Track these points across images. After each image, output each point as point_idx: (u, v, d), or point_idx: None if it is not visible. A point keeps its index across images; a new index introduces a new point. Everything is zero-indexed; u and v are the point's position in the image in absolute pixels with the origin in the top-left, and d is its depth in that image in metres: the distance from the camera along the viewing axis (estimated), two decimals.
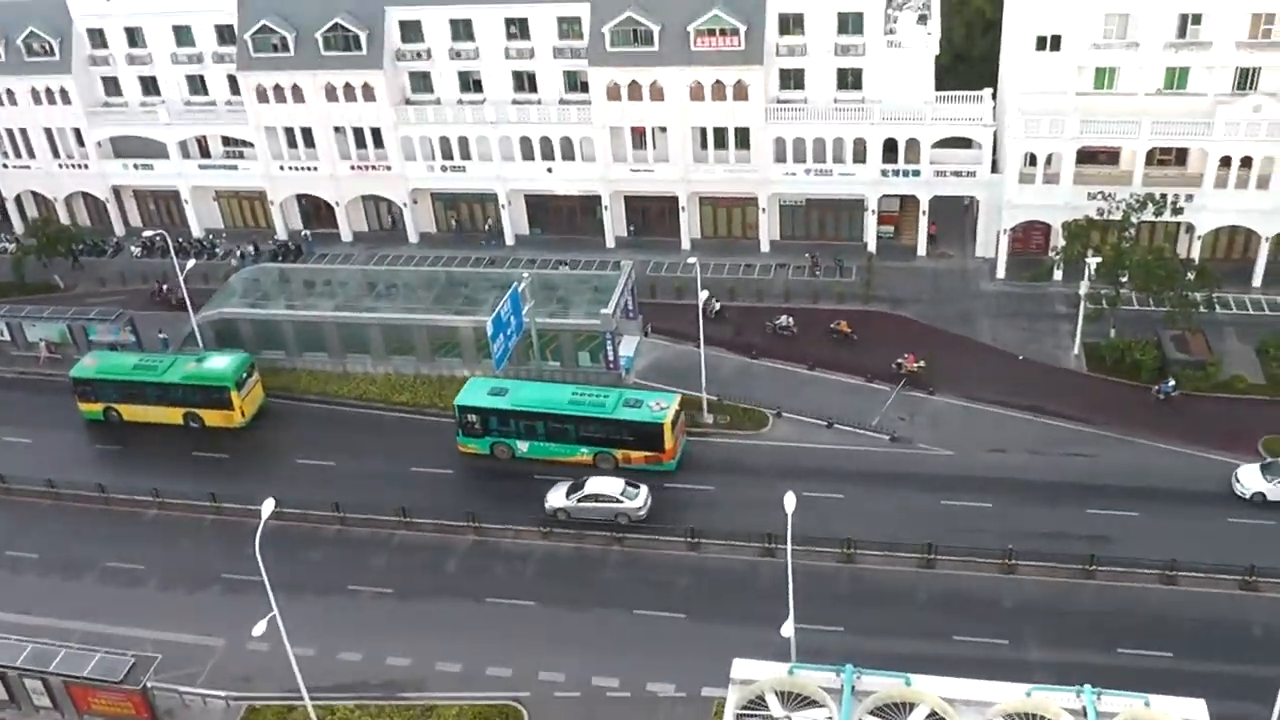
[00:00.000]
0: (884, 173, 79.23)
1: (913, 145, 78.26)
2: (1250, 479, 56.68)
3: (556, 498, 58.28)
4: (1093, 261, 67.09)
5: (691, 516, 57.46)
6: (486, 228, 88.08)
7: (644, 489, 57.98)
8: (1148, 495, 57.08)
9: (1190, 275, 68.25)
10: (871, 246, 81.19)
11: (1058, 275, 75.45)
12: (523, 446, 62.46)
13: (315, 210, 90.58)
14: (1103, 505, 56.50)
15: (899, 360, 68.34)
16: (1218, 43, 72.82)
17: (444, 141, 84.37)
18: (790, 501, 41.89)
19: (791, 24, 78.12)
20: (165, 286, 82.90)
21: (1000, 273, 78.02)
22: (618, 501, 57.26)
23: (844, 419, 64.52)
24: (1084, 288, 68.14)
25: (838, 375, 69.06)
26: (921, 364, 67.99)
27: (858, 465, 61.13)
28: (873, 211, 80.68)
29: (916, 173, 78.89)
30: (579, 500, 57.69)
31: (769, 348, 72.01)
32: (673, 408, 60.67)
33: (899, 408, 65.71)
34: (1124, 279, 68.18)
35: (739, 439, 63.94)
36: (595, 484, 58.16)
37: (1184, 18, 72.66)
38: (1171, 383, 64.75)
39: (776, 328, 73.18)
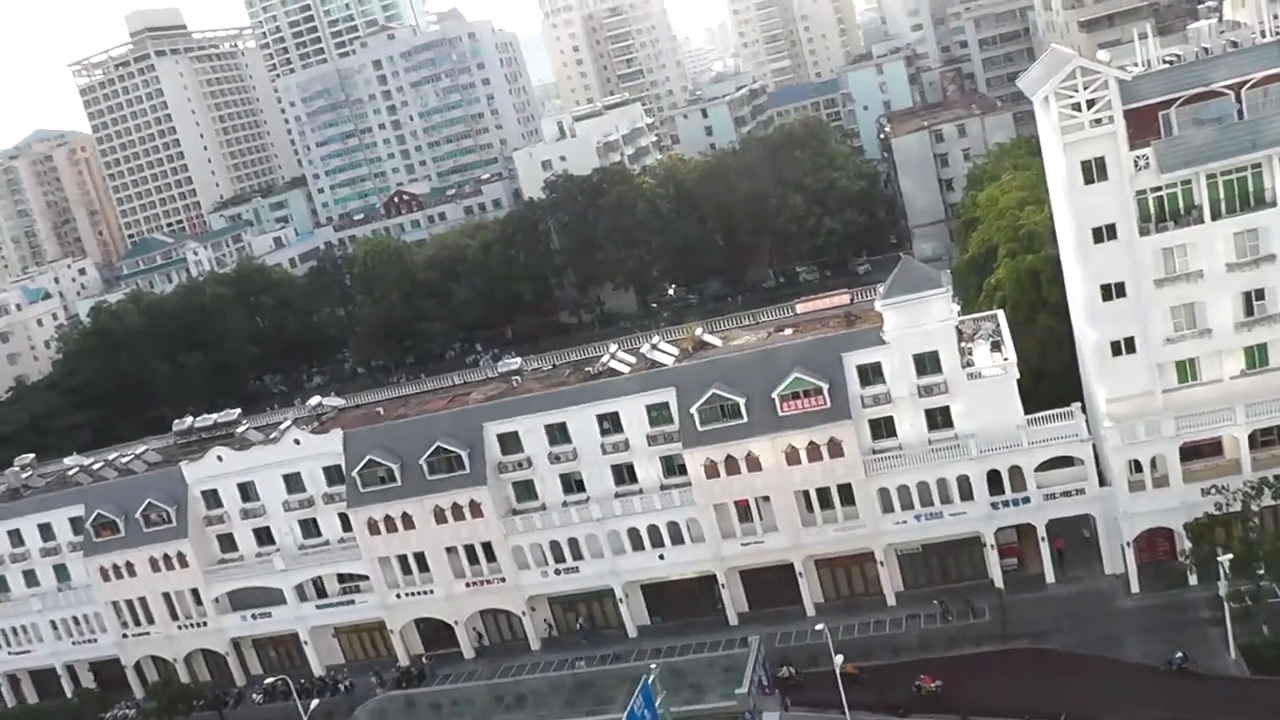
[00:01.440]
0: (994, 505, 78.77)
1: (1016, 473, 78.12)
2: None
3: None
4: (1225, 559, 65.49)
5: None
6: (580, 626, 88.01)
7: None
8: None
9: None
10: (998, 582, 79.68)
11: (1193, 579, 73.17)
12: None
13: (434, 631, 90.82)
14: None
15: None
16: None
17: (554, 545, 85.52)
18: None
19: (871, 374, 79.84)
20: None
21: (1134, 587, 75.98)
22: None
23: None
24: (1223, 588, 66.15)
25: None
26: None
27: None
28: (992, 546, 79.77)
29: (1026, 500, 78.32)
30: None
31: (915, 705, 69.63)
32: None
33: None
34: (1261, 571, 66.25)
35: None
36: None
37: (1248, 295, 72.70)
38: None
39: (920, 689, 70.79)
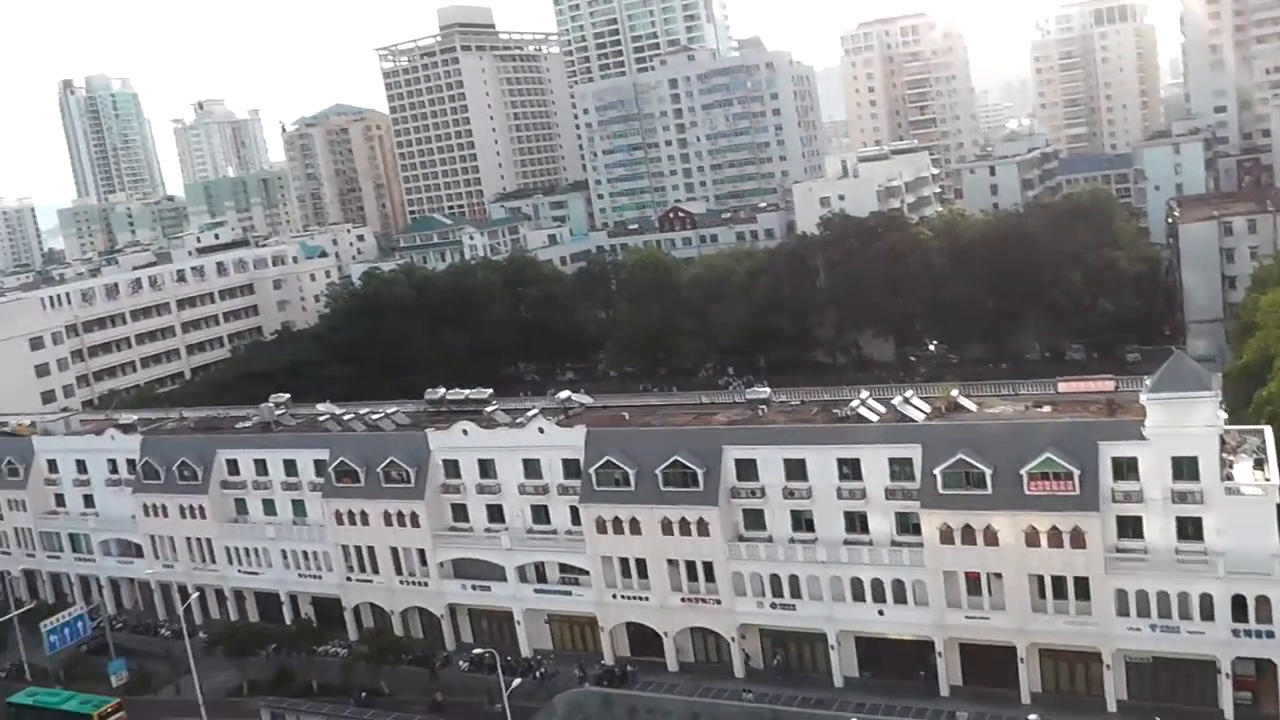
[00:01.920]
0: (1235, 632, 73.72)
1: (1263, 603, 72.65)
2: None
3: None
4: None
5: None
6: (776, 663, 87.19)
7: None
8: None
9: None
10: (1229, 715, 74.75)
11: None
12: None
13: (643, 637, 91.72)
14: None
15: None
16: None
17: (774, 578, 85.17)
18: None
19: (1125, 468, 76.12)
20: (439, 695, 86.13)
21: None
22: None
23: None
24: None
25: None
26: None
27: None
28: (1226, 675, 74.90)
29: (1270, 634, 72.66)
30: None
31: None
32: None
33: None
34: None
35: None
36: None
37: None
38: None
39: None
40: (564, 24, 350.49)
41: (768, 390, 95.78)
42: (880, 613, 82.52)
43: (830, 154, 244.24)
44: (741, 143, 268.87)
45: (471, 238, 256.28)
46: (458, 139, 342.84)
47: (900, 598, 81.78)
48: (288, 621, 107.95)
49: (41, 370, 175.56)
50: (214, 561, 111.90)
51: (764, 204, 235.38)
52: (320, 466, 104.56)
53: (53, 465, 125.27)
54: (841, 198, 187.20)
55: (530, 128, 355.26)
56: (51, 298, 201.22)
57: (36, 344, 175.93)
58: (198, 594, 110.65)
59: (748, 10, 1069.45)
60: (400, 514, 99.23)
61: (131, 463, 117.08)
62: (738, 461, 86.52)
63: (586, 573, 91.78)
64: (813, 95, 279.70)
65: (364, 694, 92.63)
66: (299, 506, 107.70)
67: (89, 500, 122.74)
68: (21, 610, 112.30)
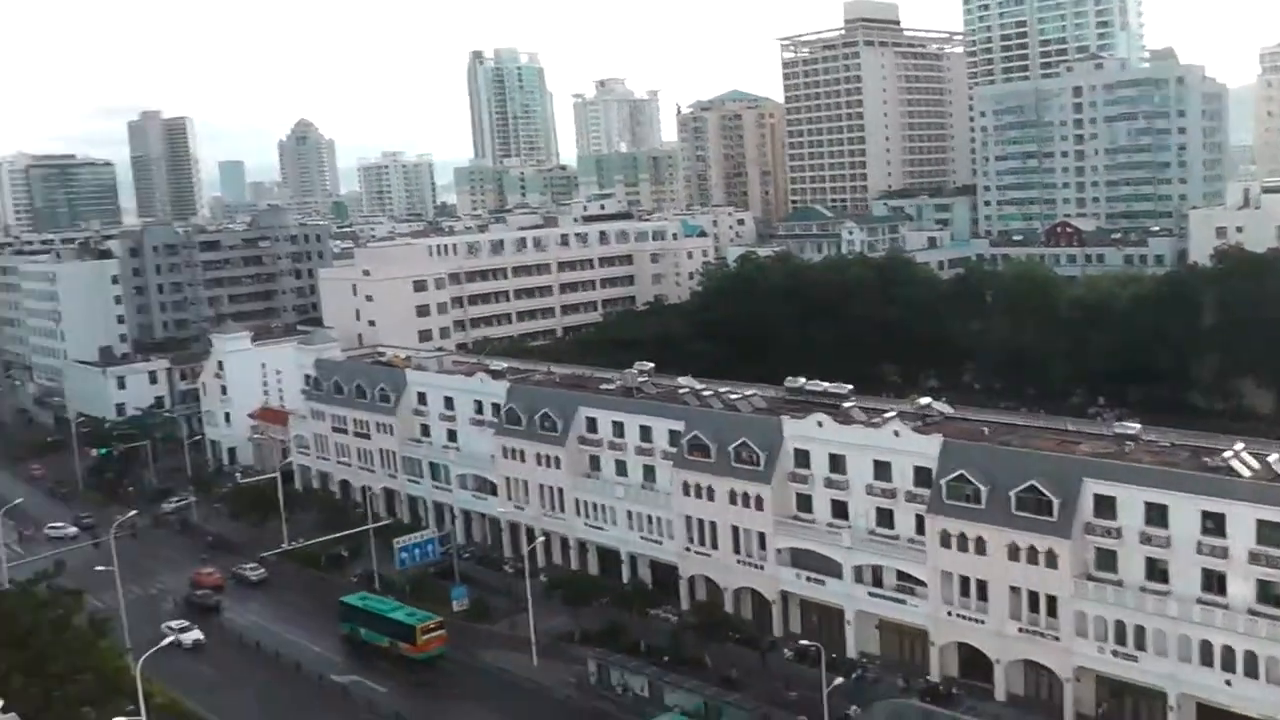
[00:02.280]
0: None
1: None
2: None
3: None
4: None
5: None
6: (1101, 712, 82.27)
7: None
8: None
9: None
10: None
11: None
12: None
13: (973, 660, 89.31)
14: None
15: None
16: None
17: (1119, 625, 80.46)
18: None
19: None
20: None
21: None
22: None
23: None
24: None
25: None
26: None
27: None
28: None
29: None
30: None
31: None
32: None
33: None
34: None
35: None
36: None
37: None
38: None
39: None
40: (971, 24, 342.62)
41: (1137, 426, 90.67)
42: (1228, 683, 76.38)
43: (1233, 181, 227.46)
44: (1141, 160, 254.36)
45: (850, 232, 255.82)
46: (849, 133, 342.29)
47: (1252, 671, 75.19)
48: (624, 580, 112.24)
49: (422, 310, 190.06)
50: (562, 510, 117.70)
51: (1156, 228, 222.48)
52: (674, 437, 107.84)
53: (422, 398, 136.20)
54: (1240, 229, 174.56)
55: (923, 127, 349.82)
56: (439, 246, 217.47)
57: (420, 286, 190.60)
58: (543, 538, 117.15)
59: (1164, 19, 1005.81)
60: (745, 495, 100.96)
61: (496, 406, 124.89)
62: (1096, 497, 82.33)
63: (924, 584, 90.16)
64: (1221, 115, 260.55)
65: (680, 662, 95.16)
66: (649, 472, 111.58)
67: (452, 435, 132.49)
68: (378, 524, 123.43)
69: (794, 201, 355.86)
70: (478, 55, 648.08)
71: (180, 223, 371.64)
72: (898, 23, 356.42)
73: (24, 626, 78.59)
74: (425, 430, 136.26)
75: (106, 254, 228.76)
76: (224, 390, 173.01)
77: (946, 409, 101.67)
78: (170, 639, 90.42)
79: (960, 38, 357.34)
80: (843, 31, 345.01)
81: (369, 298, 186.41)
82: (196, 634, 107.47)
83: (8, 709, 52.47)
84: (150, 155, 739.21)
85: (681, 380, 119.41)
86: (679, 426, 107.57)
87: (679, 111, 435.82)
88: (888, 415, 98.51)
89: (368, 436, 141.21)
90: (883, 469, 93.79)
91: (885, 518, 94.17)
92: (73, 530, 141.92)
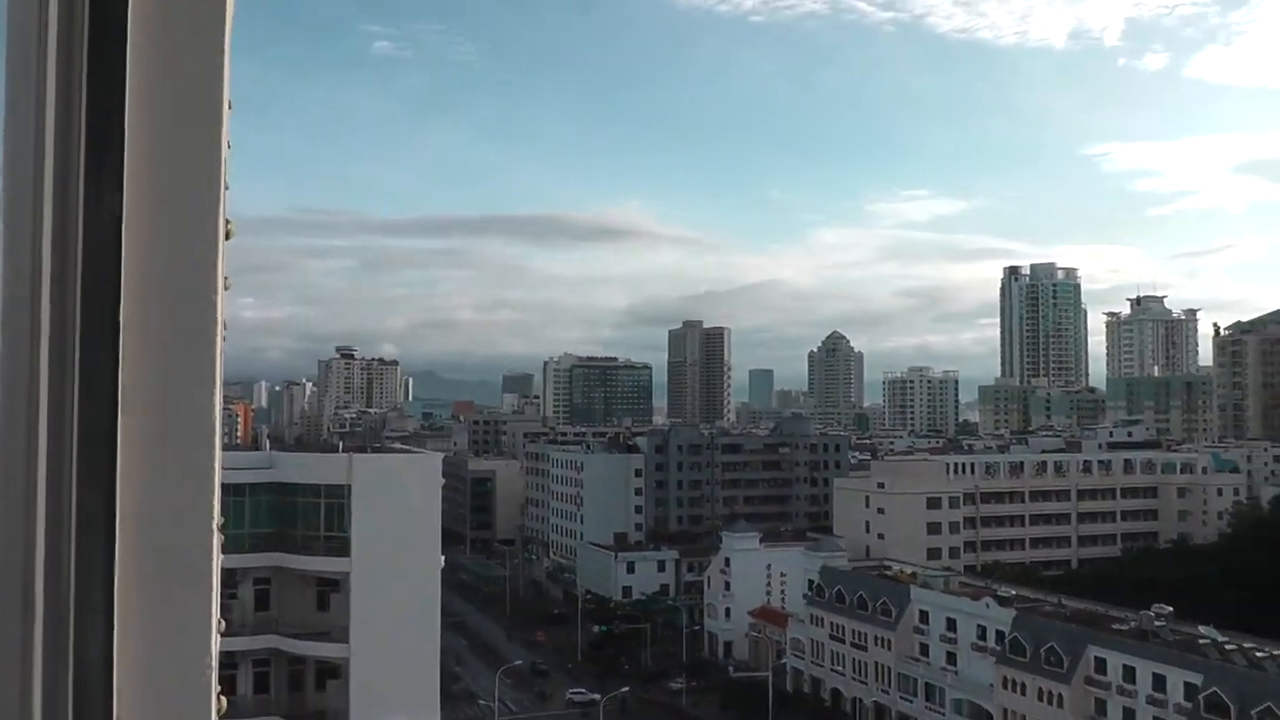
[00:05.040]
0: None
1: None
2: None
3: None
4: None
5: None
6: None
7: None
8: None
9: None
10: None
11: None
12: None
13: None
14: None
15: None
16: None
17: None
18: None
19: None
20: None
21: None
22: None
23: None
24: None
25: None
26: None
27: None
28: None
29: None
30: None
31: None
32: None
33: None
34: None
35: None
36: None
37: None
38: None
39: None
40: None
41: None
42: None
43: None
44: None
45: None
46: None
47: None
48: None
49: (933, 528, 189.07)
50: None
51: None
52: (1190, 690, 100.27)
53: (924, 616, 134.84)
54: None
55: None
56: (957, 465, 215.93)
57: (933, 503, 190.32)
58: None
59: None
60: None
61: (1001, 634, 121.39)
62: None
63: None
64: None
65: None
66: None
67: (951, 658, 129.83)
68: None
69: None
70: (1013, 271, 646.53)
71: (706, 425, 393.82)
72: None
73: None
74: (924, 649, 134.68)
75: (634, 449, 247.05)
76: (727, 586, 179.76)
77: None
78: None
79: None
80: None
81: (881, 510, 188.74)
82: None
83: None
84: (686, 361, 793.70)
85: (1202, 629, 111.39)
86: (1197, 680, 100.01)
87: (1217, 333, 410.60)
88: None
89: (864, 649, 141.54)
90: None
91: None
92: (595, 696, 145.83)
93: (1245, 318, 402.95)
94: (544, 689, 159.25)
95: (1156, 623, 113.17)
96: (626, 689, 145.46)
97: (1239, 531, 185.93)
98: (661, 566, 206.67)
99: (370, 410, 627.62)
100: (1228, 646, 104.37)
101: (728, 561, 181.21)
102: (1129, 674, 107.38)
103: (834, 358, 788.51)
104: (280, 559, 61.35)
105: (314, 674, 62.60)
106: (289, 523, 61.69)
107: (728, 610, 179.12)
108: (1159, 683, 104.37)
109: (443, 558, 62.41)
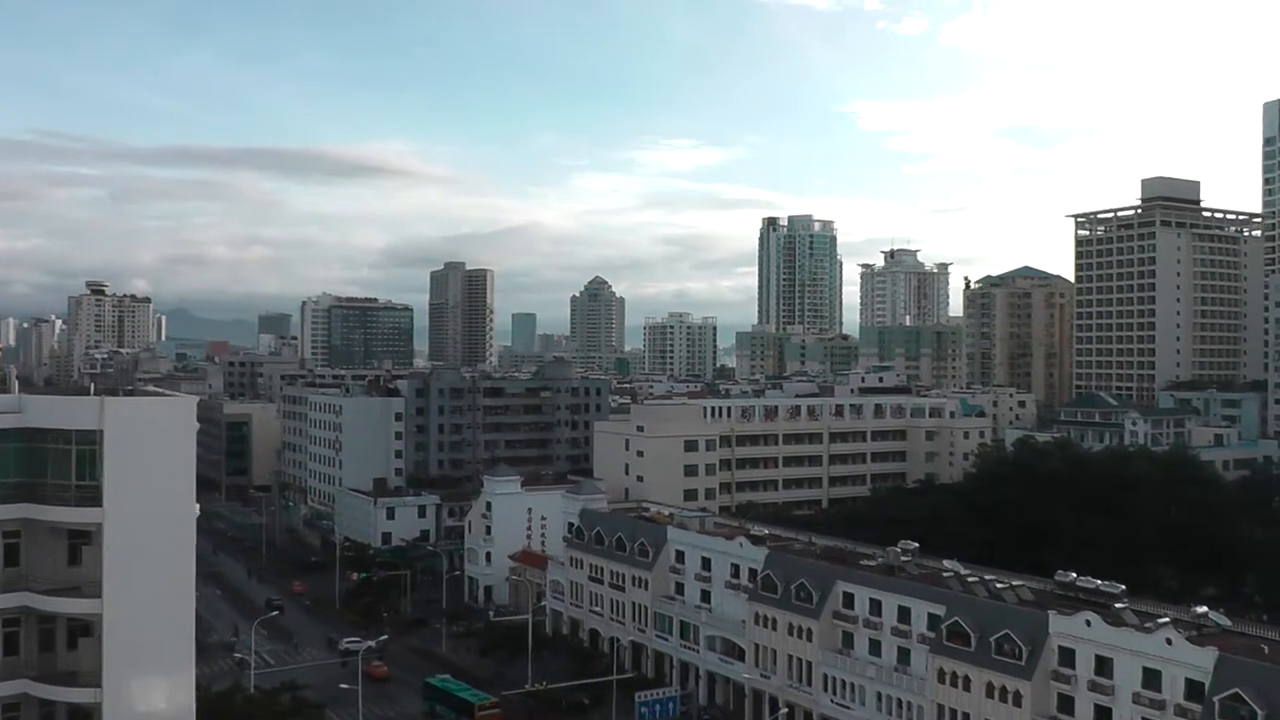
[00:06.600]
0: None
1: None
2: None
3: None
4: None
5: None
6: None
7: None
8: None
9: None
10: None
11: None
12: None
13: None
14: None
15: None
16: None
17: None
18: None
19: None
20: None
21: None
22: None
23: None
24: None
25: None
26: None
27: None
28: None
29: None
30: None
31: None
32: None
33: None
34: None
35: None
36: None
37: None
38: None
39: None
40: (1272, 205, 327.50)
41: None
42: None
43: None
44: None
45: (1134, 424, 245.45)
46: (1139, 318, 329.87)
47: None
48: None
49: (690, 470, 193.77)
50: (809, 684, 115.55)
51: None
52: (934, 621, 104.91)
53: (680, 556, 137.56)
54: None
55: (1216, 315, 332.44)
56: (714, 408, 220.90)
57: (690, 446, 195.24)
58: (787, 710, 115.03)
59: None
60: (1004, 689, 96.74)
61: (753, 572, 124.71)
62: None
63: None
64: None
65: None
66: (904, 654, 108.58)
67: (705, 596, 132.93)
68: (622, 676, 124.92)
69: (1078, 387, 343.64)
70: (771, 221, 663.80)
71: (468, 369, 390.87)
72: (1198, 202, 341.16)
73: None
74: (679, 588, 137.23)
75: (394, 392, 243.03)
76: (488, 530, 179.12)
77: (1224, 621, 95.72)
78: None
79: (1259, 221, 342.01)
80: (1139, 210, 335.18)
81: (640, 453, 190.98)
82: None
83: None
84: (448, 303, 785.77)
85: (946, 563, 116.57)
86: (939, 611, 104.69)
87: (967, 286, 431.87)
88: (1161, 621, 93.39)
89: (622, 589, 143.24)
90: (1151, 678, 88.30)
91: None
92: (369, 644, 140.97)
93: (995, 272, 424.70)
94: (298, 640, 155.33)
95: (903, 558, 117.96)
96: (385, 636, 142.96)
97: (983, 471, 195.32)
98: (422, 512, 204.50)
99: (122, 350, 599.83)
100: (970, 579, 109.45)
101: (489, 505, 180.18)
102: (875, 607, 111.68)
103: (596, 302, 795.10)
104: (29, 510, 56.62)
105: (65, 632, 58.88)
106: (39, 471, 57.25)
107: (488, 555, 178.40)
108: (904, 614, 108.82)
109: (198, 506, 59.36)
